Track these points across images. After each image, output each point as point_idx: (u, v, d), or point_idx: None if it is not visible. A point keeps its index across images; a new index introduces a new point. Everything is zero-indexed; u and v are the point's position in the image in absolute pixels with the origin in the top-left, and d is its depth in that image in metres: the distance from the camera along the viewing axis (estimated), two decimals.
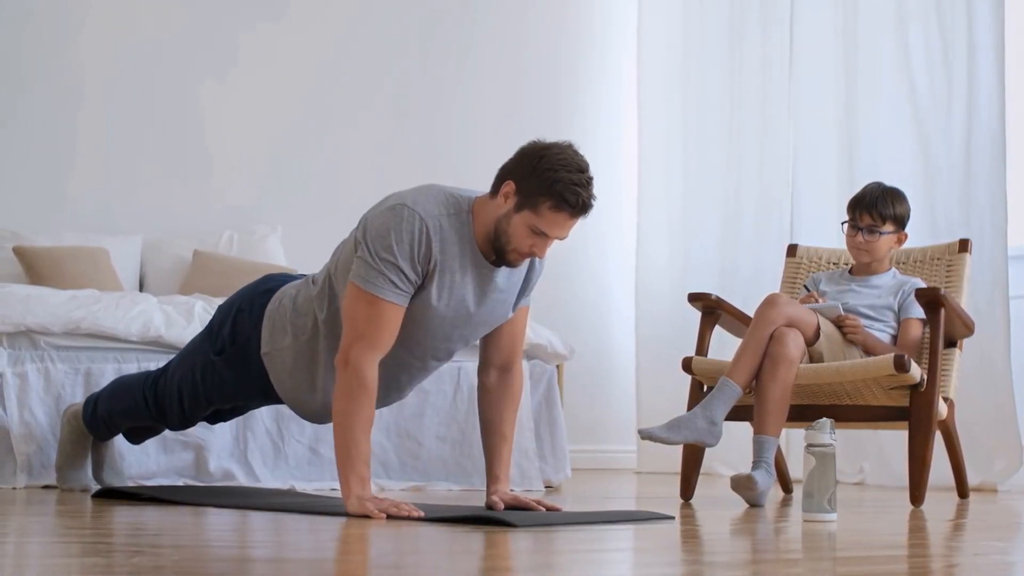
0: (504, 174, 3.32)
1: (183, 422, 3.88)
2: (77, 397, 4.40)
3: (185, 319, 4.62)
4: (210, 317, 4.65)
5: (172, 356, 4.54)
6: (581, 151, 3.35)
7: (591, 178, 3.30)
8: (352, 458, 3.27)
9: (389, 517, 3.21)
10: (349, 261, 3.38)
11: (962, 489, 4.58)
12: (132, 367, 4.49)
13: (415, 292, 3.32)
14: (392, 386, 3.53)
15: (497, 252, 3.34)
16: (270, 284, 3.68)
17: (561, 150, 3.30)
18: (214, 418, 3.96)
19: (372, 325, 3.28)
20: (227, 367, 3.66)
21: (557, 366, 5.17)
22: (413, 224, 3.27)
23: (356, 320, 3.29)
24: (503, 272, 3.39)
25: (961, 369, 4.64)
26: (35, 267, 5.35)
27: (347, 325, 3.32)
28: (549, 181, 3.25)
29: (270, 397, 3.68)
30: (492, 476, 3.52)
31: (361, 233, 3.34)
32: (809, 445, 3.49)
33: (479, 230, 3.33)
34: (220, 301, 4.80)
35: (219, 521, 3.23)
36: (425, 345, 3.44)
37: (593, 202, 3.30)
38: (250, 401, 3.81)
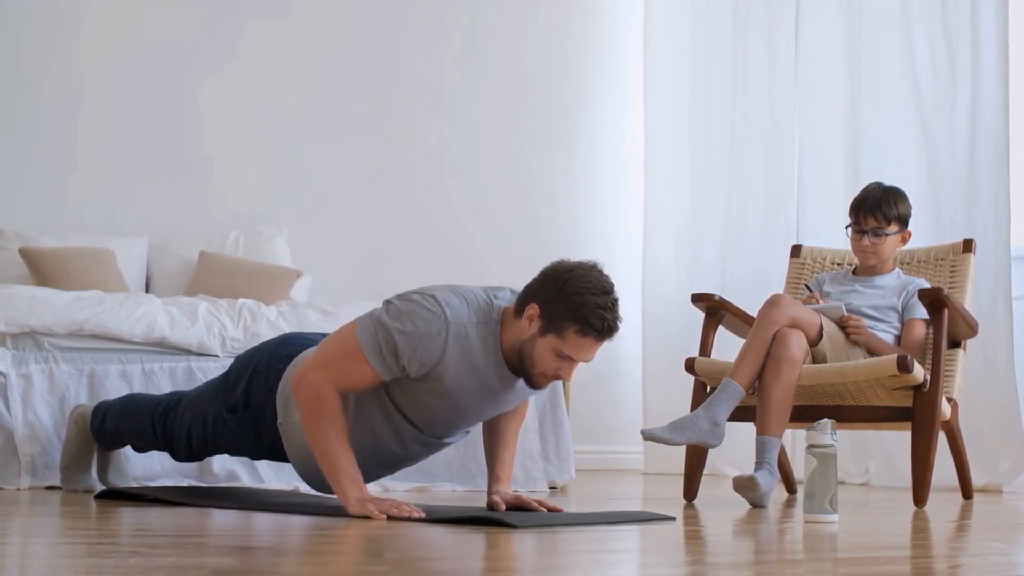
0: (528, 296, 3.28)
1: (189, 457, 3.88)
2: (81, 398, 4.40)
3: (189, 320, 4.62)
4: (214, 317, 4.67)
5: (175, 356, 4.55)
6: (606, 271, 3.31)
7: (616, 300, 3.25)
8: (338, 465, 3.29)
9: (390, 518, 3.21)
10: None
11: (966, 490, 4.57)
12: (136, 368, 4.50)
13: (429, 383, 3.30)
14: (397, 457, 3.53)
15: (523, 374, 3.32)
16: (289, 349, 3.62)
17: (585, 271, 3.26)
18: (221, 453, 3.95)
19: (343, 370, 3.29)
20: (238, 426, 3.64)
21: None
22: (433, 325, 3.24)
23: (332, 356, 3.30)
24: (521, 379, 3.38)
25: (965, 370, 4.64)
26: (41, 268, 5.36)
27: (320, 351, 3.33)
28: (574, 305, 3.21)
29: (278, 456, 3.67)
30: (494, 476, 3.53)
31: (390, 298, 3.32)
32: (810, 446, 3.49)
33: (506, 343, 3.31)
34: (226, 302, 4.82)
35: (222, 522, 3.23)
36: (437, 429, 3.45)
37: (620, 324, 3.26)
38: (257, 456, 3.80)
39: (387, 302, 3.32)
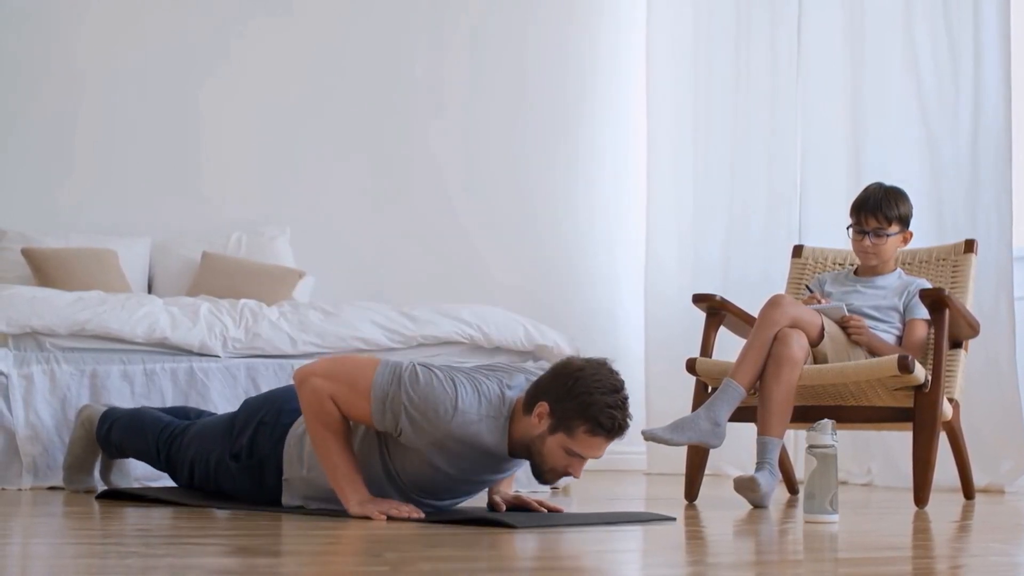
0: (538, 394, 3.28)
1: (190, 486, 3.88)
2: (83, 399, 4.40)
3: (191, 320, 4.62)
4: (216, 318, 4.67)
5: (176, 357, 4.55)
6: (616, 368, 3.30)
7: (626, 398, 3.25)
8: (339, 467, 3.30)
9: (390, 518, 3.22)
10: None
11: (968, 490, 4.57)
12: (138, 368, 4.50)
13: (433, 461, 3.31)
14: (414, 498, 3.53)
15: (533, 471, 3.33)
16: (297, 403, 3.57)
17: (595, 370, 3.26)
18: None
19: (345, 395, 3.29)
20: (241, 474, 3.63)
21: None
22: (440, 407, 3.24)
23: (344, 378, 3.30)
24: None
25: (967, 370, 4.64)
26: (43, 269, 5.36)
27: (335, 363, 3.34)
28: (584, 404, 3.21)
29: (279, 505, 3.67)
30: None
31: (420, 363, 3.33)
32: (810, 446, 3.49)
33: (514, 434, 3.31)
34: (228, 303, 4.81)
35: (223, 522, 3.23)
36: (424, 492, 3.43)
37: (629, 423, 3.26)
38: (257, 503, 3.78)
39: (416, 364, 3.31)
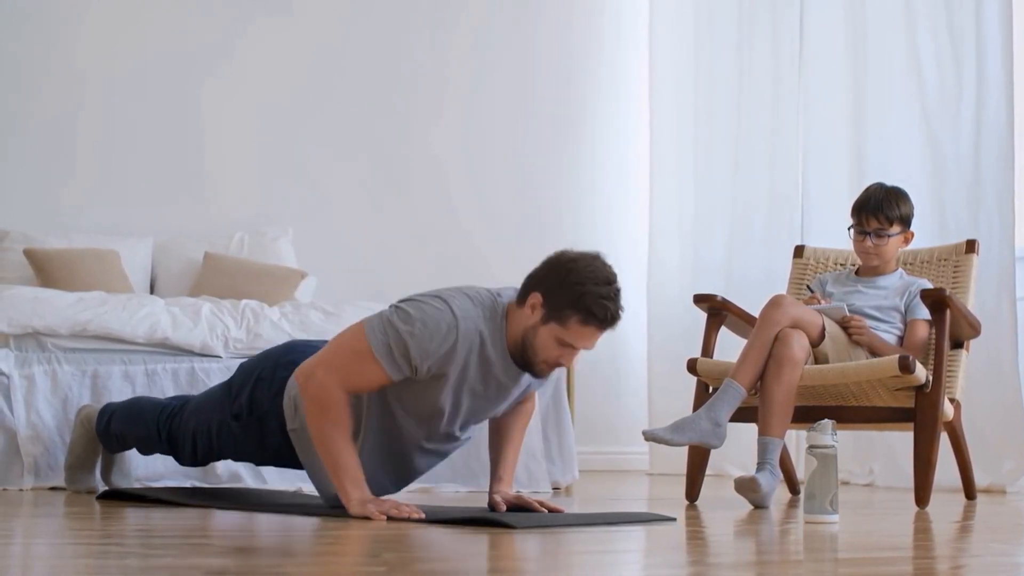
0: (531, 285, 3.31)
1: (194, 463, 3.89)
2: (84, 399, 4.41)
3: (192, 321, 4.63)
4: (217, 318, 4.68)
5: (178, 357, 4.56)
6: (609, 260, 3.33)
7: (619, 290, 3.28)
8: (342, 466, 3.30)
9: (390, 519, 3.22)
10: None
11: (969, 490, 4.57)
12: (139, 368, 4.50)
13: (435, 383, 3.32)
14: (410, 466, 3.54)
15: (525, 363, 3.34)
16: (293, 356, 3.62)
17: (589, 261, 3.28)
18: (226, 458, 3.95)
19: (352, 370, 3.30)
20: (243, 433, 3.65)
21: (568, 368, 5.17)
22: (442, 322, 3.26)
23: (340, 354, 3.31)
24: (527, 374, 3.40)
25: (968, 370, 4.63)
26: (45, 269, 5.36)
27: (329, 350, 3.34)
28: (577, 295, 3.23)
29: (282, 462, 3.67)
30: (496, 476, 3.54)
31: (400, 300, 3.33)
32: (811, 446, 3.49)
33: (510, 334, 3.33)
34: (229, 303, 4.82)
35: (224, 523, 3.24)
36: (444, 427, 3.45)
37: (621, 314, 3.28)
38: (262, 463, 3.81)
39: (395, 306, 3.32)
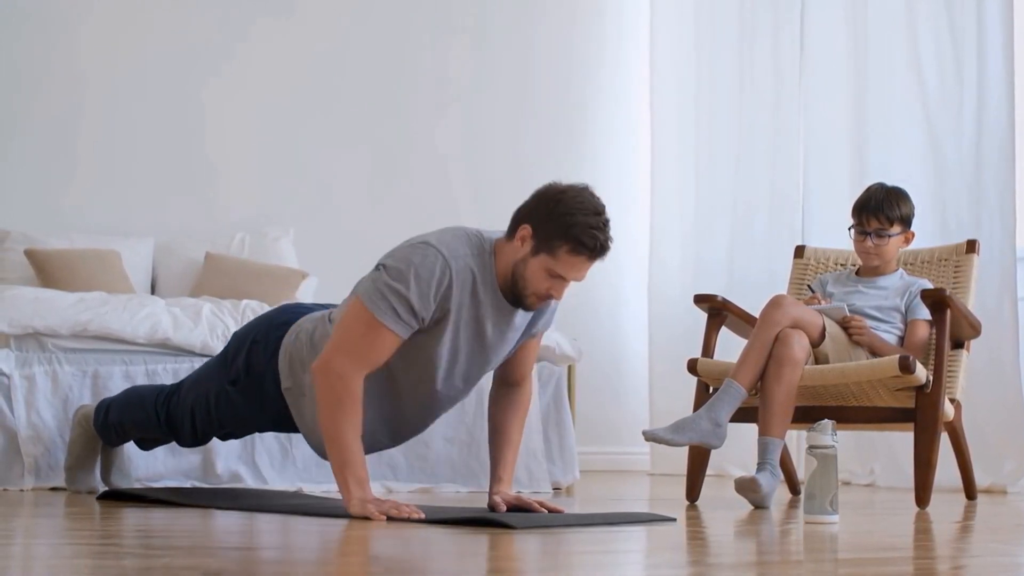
0: (520, 217, 3.32)
1: (194, 441, 3.89)
2: (84, 399, 4.41)
3: (193, 321, 4.63)
4: (218, 319, 4.68)
5: (178, 358, 4.56)
6: (597, 191, 3.34)
7: (608, 220, 3.30)
8: (348, 462, 3.28)
9: (390, 519, 3.22)
10: None
11: (970, 491, 4.57)
12: (139, 369, 4.51)
13: (433, 330, 3.32)
14: (409, 422, 3.54)
15: (515, 296, 3.34)
16: (286, 316, 3.65)
17: (578, 193, 3.30)
18: (225, 436, 3.96)
19: (365, 345, 3.29)
20: (241, 397, 3.66)
21: (569, 367, 5.18)
22: (435, 265, 3.27)
23: (349, 335, 3.30)
24: (521, 311, 3.40)
25: (969, 370, 4.63)
26: (46, 269, 5.37)
27: (338, 335, 3.32)
28: (566, 225, 3.25)
29: (283, 426, 3.68)
30: (496, 477, 3.54)
31: (382, 258, 3.34)
32: (811, 447, 3.49)
33: (499, 271, 3.34)
34: (230, 303, 4.83)
35: (225, 523, 3.24)
36: (443, 380, 3.45)
37: (611, 244, 3.31)
38: (263, 430, 3.81)
39: (383, 265, 3.32)
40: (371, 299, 3.28)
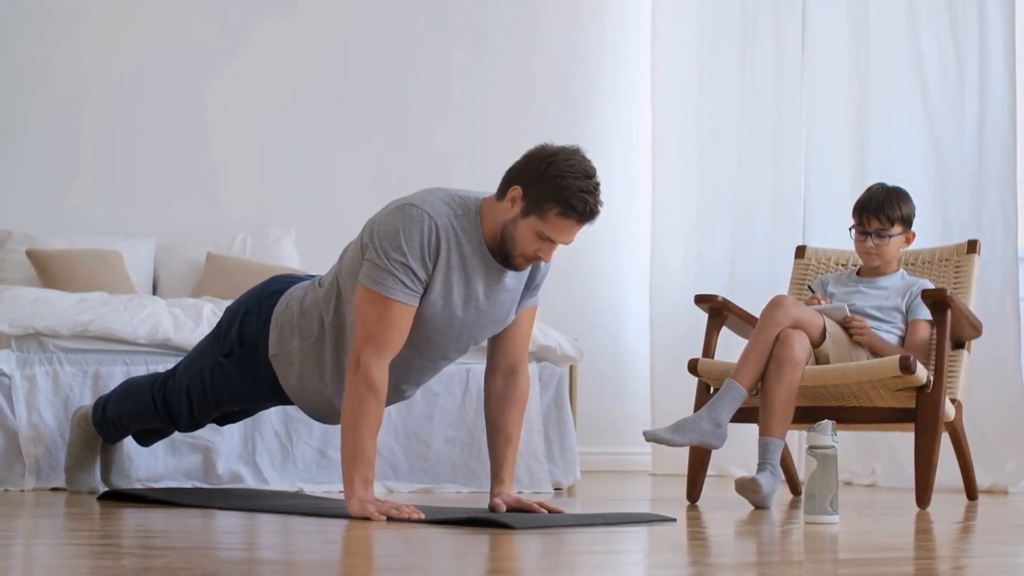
0: (511, 178, 3.34)
1: (192, 424, 3.90)
2: (85, 399, 4.41)
3: (193, 321, 4.63)
4: (219, 319, 4.69)
5: (179, 358, 4.56)
6: (590, 155, 3.35)
7: (598, 184, 3.30)
8: (358, 460, 3.29)
9: (390, 519, 3.22)
10: (355, 263, 3.39)
11: (971, 491, 4.56)
12: (140, 369, 4.51)
13: (424, 291, 3.33)
14: (399, 386, 3.54)
15: (503, 256, 3.35)
16: (277, 285, 3.69)
17: (569, 155, 3.30)
18: (223, 420, 3.97)
19: (382, 326, 3.29)
20: (235, 369, 3.67)
21: (571, 368, 5.17)
22: (422, 222, 3.30)
23: (367, 322, 3.31)
24: (511, 272, 3.40)
25: (971, 371, 4.63)
26: (48, 270, 5.37)
27: (358, 327, 3.33)
28: (556, 188, 3.26)
29: (279, 398, 3.70)
30: (496, 478, 3.54)
31: (368, 235, 3.36)
32: (811, 447, 3.49)
33: (487, 231, 3.36)
34: (230, 303, 4.83)
35: (226, 523, 3.24)
36: (435, 344, 3.45)
37: (600, 208, 3.31)
38: (259, 402, 3.83)
39: (372, 237, 3.33)
40: (378, 282, 3.29)
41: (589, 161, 3.32)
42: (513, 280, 3.43)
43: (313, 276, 3.73)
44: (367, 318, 3.31)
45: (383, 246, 3.30)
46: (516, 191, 3.30)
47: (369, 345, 3.30)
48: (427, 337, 3.42)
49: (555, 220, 3.28)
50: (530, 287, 3.51)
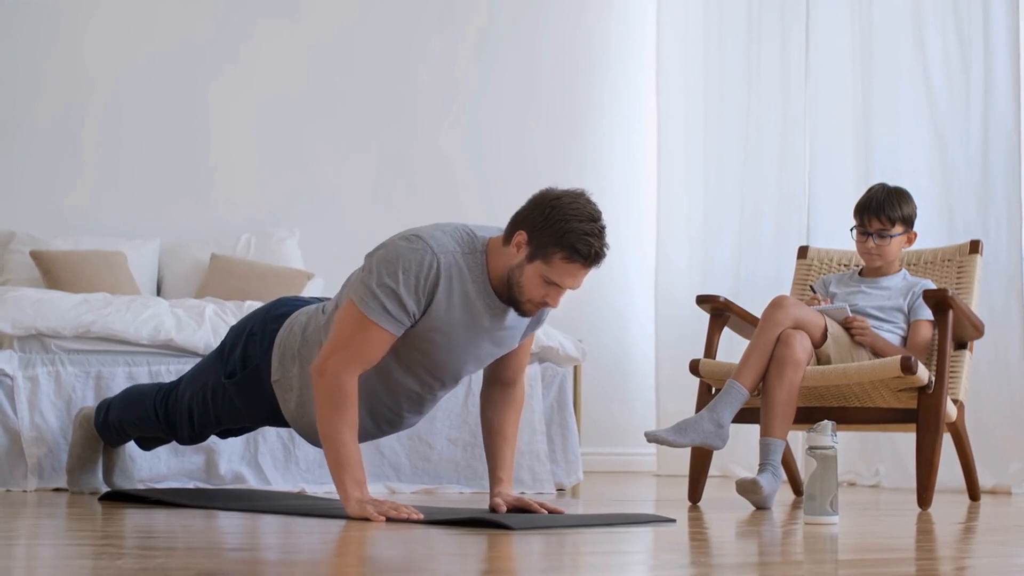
0: (516, 223, 3.31)
1: (193, 438, 3.91)
2: (88, 400, 4.42)
3: (196, 322, 4.64)
4: (221, 320, 4.69)
5: (181, 359, 4.57)
6: (594, 198, 3.32)
7: (604, 227, 3.27)
8: (344, 463, 3.29)
9: (389, 520, 3.22)
10: None
11: (973, 491, 4.56)
12: (143, 370, 4.52)
13: (423, 323, 3.32)
14: (399, 415, 3.55)
15: (512, 302, 3.34)
16: (283, 309, 3.66)
17: (573, 199, 3.28)
18: (224, 433, 3.97)
19: (355, 344, 3.29)
20: (237, 391, 3.67)
21: (575, 368, 5.17)
22: (423, 257, 3.27)
23: (343, 335, 3.31)
24: (512, 311, 3.40)
25: (975, 371, 4.63)
26: (52, 271, 5.38)
27: (333, 336, 3.33)
28: (561, 232, 3.23)
29: (279, 420, 3.69)
30: (495, 478, 3.54)
31: (369, 256, 3.35)
32: (811, 447, 3.49)
33: (492, 272, 3.34)
34: (233, 304, 4.84)
35: (228, 524, 3.24)
36: (434, 374, 3.45)
37: (606, 251, 3.28)
38: (259, 423, 3.82)
39: (369, 257, 3.32)
40: (363, 300, 3.29)
41: (594, 204, 3.29)
42: (514, 318, 3.42)
43: (320, 300, 3.71)
44: (343, 331, 3.31)
45: (379, 269, 3.29)
46: (521, 236, 3.28)
47: (337, 356, 3.29)
48: (426, 366, 3.42)
49: (561, 264, 3.25)
50: (534, 323, 3.51)
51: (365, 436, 3.55)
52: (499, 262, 3.32)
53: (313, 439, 3.60)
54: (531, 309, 3.34)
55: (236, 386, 3.66)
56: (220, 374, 3.70)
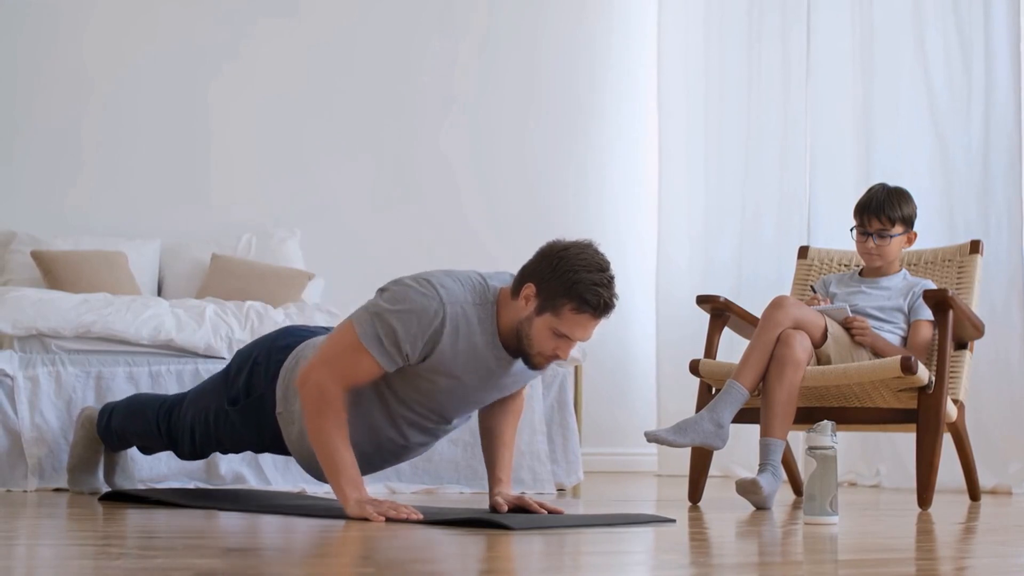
0: (524, 276, 3.30)
1: (193, 455, 3.91)
2: (88, 400, 4.42)
3: (196, 322, 4.64)
4: (221, 320, 4.70)
5: (182, 359, 4.57)
6: (602, 249, 3.32)
7: (612, 277, 3.27)
8: (339, 465, 3.29)
9: (388, 520, 3.22)
10: None
11: (973, 492, 4.56)
12: (143, 370, 4.52)
13: (425, 365, 3.31)
14: (399, 448, 3.54)
15: (522, 356, 3.33)
16: (288, 340, 3.65)
17: (581, 250, 3.27)
18: (226, 450, 3.97)
19: (345, 364, 3.30)
20: (239, 418, 3.67)
21: (576, 368, 5.17)
22: (430, 305, 3.26)
23: (334, 352, 3.31)
24: (519, 361, 3.39)
25: (975, 371, 4.63)
26: (53, 271, 5.38)
27: (324, 350, 3.34)
28: (569, 283, 3.22)
29: (279, 448, 3.69)
30: (495, 478, 3.54)
31: (383, 288, 3.34)
32: (810, 448, 3.49)
33: (502, 324, 3.33)
34: (234, 305, 4.84)
35: (225, 524, 3.24)
36: (434, 411, 3.45)
37: (615, 301, 3.27)
38: (261, 449, 3.82)
39: (381, 290, 3.33)
40: (360, 323, 3.29)
41: (602, 254, 3.29)
42: (520, 367, 3.42)
43: (326, 330, 3.70)
44: (334, 348, 3.32)
45: (386, 306, 3.28)
46: (529, 289, 3.27)
47: (323, 369, 3.30)
48: (426, 404, 3.42)
49: (569, 316, 3.24)
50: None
51: (370, 468, 3.53)
52: (508, 315, 3.31)
53: (311, 471, 3.59)
54: (541, 363, 3.33)
55: (239, 413, 3.66)
56: (224, 399, 3.70)
